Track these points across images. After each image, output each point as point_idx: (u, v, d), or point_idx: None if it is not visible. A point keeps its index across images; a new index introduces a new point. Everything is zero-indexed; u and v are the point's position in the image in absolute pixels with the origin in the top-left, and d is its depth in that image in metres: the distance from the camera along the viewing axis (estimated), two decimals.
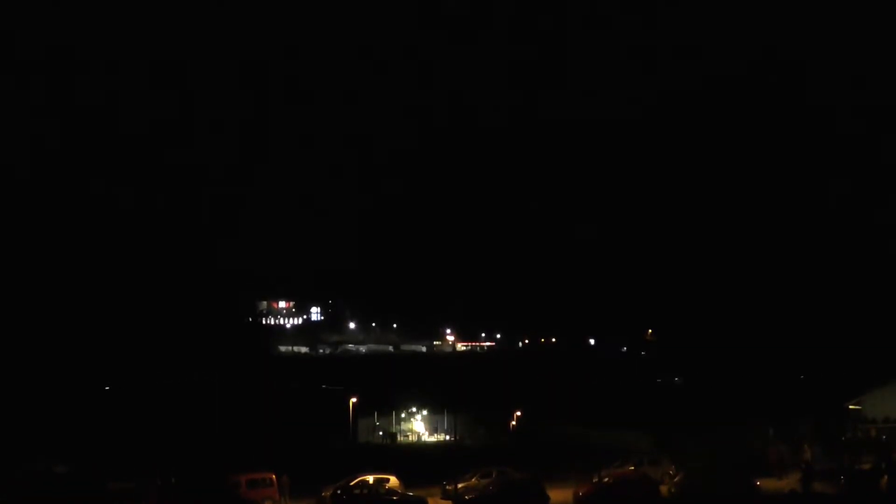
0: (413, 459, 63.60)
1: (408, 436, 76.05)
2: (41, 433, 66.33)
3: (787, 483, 49.76)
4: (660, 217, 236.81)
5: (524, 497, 46.78)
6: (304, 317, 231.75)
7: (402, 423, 77.02)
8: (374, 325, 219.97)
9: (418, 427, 76.59)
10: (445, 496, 50.37)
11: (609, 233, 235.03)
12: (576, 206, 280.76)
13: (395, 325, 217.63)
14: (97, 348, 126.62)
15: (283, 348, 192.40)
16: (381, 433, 75.89)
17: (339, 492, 46.85)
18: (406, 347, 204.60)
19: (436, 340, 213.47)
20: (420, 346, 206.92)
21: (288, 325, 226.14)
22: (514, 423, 79.47)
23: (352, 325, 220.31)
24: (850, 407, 72.35)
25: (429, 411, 77.87)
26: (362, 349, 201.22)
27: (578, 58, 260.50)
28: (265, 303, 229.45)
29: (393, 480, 48.79)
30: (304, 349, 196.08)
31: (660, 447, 61.33)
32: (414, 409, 77.81)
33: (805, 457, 54.52)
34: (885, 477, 49.91)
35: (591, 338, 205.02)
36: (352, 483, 47.63)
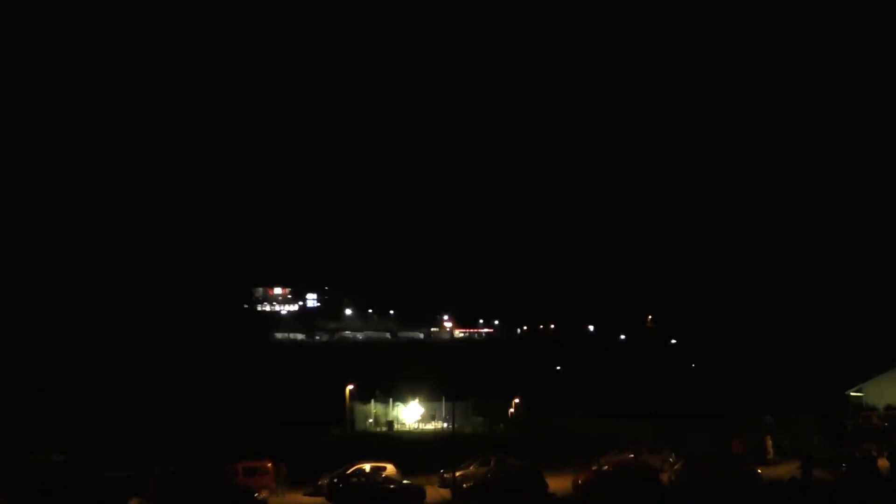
0: (410, 447, 63.19)
1: (405, 424, 75.56)
2: (40, 422, 65.90)
3: (788, 470, 49.71)
4: (662, 206, 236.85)
5: (523, 485, 46.45)
6: (301, 304, 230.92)
7: (400, 411, 76.53)
8: (371, 311, 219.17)
9: (415, 415, 76.08)
10: (443, 484, 50.07)
11: (609, 220, 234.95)
12: (575, 194, 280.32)
13: (392, 312, 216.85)
14: (96, 337, 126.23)
15: (279, 335, 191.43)
16: (373, 421, 75.38)
17: (335, 480, 46.52)
18: (404, 334, 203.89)
19: (434, 327, 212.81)
20: (418, 333, 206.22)
21: (284, 312, 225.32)
22: (512, 410, 79.02)
23: (349, 312, 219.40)
24: (851, 394, 72.30)
25: (426, 399, 77.36)
26: (359, 336, 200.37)
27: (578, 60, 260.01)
28: (261, 289, 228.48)
29: (390, 468, 48.42)
30: (300, 336, 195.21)
31: (659, 435, 60.98)
32: (411, 397, 77.32)
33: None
34: (888, 463, 49.96)
35: (591, 325, 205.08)
36: (349, 471, 47.28)
